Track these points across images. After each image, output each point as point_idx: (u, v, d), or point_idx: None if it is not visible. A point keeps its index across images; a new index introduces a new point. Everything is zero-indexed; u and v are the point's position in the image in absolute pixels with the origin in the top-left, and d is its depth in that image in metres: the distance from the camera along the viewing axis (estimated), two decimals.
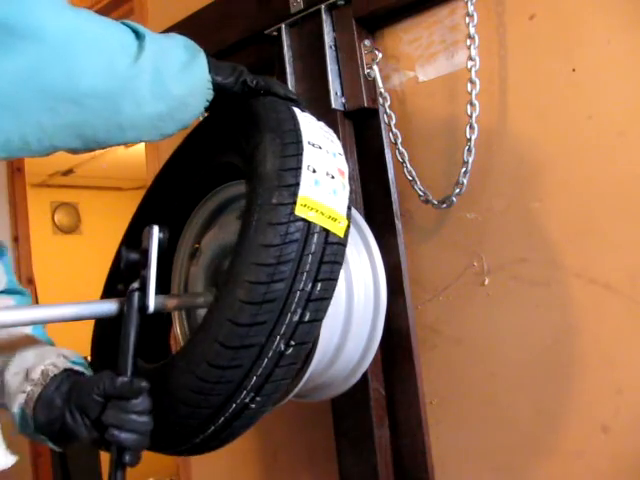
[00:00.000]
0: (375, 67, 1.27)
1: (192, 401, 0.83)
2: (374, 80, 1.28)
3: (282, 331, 0.82)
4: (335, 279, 0.87)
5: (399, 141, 1.25)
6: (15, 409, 0.88)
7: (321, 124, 0.97)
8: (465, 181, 1.19)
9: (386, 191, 1.29)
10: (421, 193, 1.24)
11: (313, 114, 1.34)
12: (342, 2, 1.29)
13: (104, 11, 2.28)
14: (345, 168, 0.92)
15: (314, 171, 0.86)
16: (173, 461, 1.94)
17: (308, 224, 0.83)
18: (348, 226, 0.89)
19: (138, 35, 0.81)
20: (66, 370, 0.90)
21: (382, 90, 1.27)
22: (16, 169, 2.89)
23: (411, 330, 1.26)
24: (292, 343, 0.84)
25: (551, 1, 1.15)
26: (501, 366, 1.21)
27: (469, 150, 1.18)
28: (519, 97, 1.18)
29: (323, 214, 0.85)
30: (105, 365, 1.01)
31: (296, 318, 0.83)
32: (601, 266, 1.09)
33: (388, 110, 1.26)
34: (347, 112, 1.30)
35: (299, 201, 0.83)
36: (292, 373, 0.87)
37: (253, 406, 0.85)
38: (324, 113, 1.30)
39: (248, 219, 0.84)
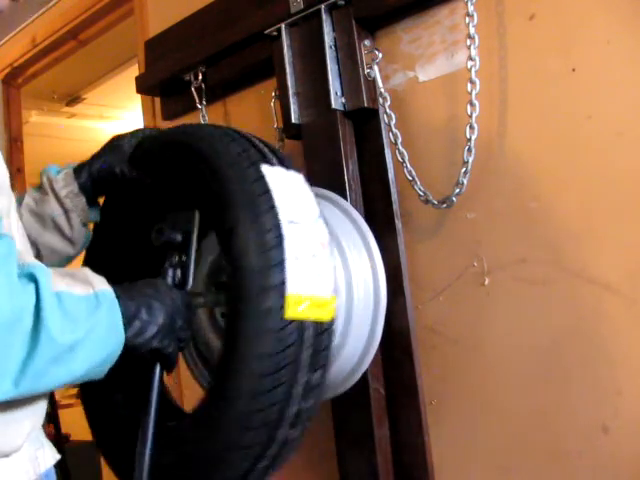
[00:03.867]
0: (375, 67, 1.27)
1: None
2: (374, 80, 1.28)
3: (286, 422, 0.85)
4: (328, 364, 0.89)
5: (399, 141, 1.25)
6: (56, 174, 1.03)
7: (286, 176, 0.90)
8: (465, 181, 1.18)
9: (386, 191, 1.29)
10: (421, 193, 1.24)
11: (313, 114, 1.34)
12: (342, 2, 1.29)
13: (104, 11, 2.28)
14: (325, 233, 0.89)
15: (297, 258, 0.83)
16: None
17: (300, 322, 0.83)
18: (335, 303, 0.88)
19: (35, 338, 0.66)
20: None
21: (382, 90, 1.27)
22: (16, 169, 2.90)
23: (411, 330, 1.26)
24: (297, 427, 0.87)
25: (551, 1, 1.14)
26: (501, 366, 1.20)
27: (469, 150, 1.18)
28: (519, 97, 1.18)
29: (312, 305, 0.84)
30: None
31: (296, 409, 0.85)
32: (601, 266, 1.09)
33: (388, 110, 1.26)
34: (347, 112, 1.30)
35: (288, 300, 0.82)
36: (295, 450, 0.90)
37: None
38: (324, 113, 1.30)
39: (238, 324, 0.82)
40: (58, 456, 0.90)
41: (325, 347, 0.87)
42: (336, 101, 1.29)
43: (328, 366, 0.89)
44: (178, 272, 0.92)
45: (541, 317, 1.16)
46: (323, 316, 0.86)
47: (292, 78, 1.35)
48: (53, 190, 1.03)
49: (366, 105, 1.28)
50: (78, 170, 1.05)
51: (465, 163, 1.18)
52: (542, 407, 1.16)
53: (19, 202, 1.05)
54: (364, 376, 1.18)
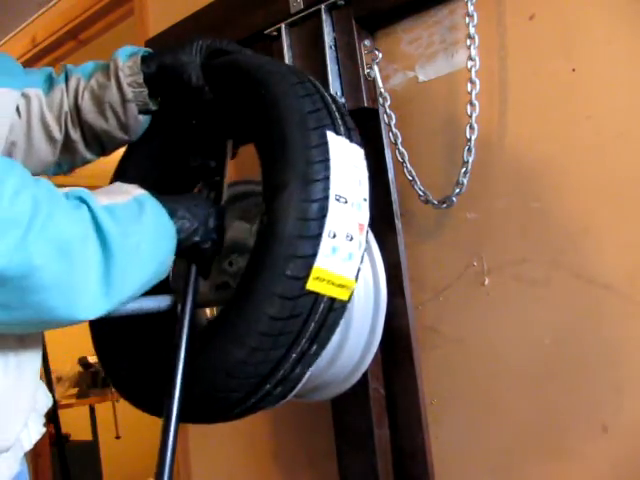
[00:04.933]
0: (375, 67, 1.27)
1: None
2: (374, 80, 1.28)
3: (271, 383, 0.86)
4: (329, 340, 0.89)
5: (399, 141, 1.25)
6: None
7: (348, 148, 0.90)
8: (465, 181, 1.18)
9: (386, 191, 1.29)
10: (421, 193, 1.24)
11: None
12: (342, 2, 1.28)
13: (104, 11, 2.28)
14: (366, 218, 0.89)
15: (334, 236, 0.83)
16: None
17: (316, 295, 0.83)
18: (354, 287, 0.88)
19: (105, 245, 0.70)
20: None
21: (382, 90, 1.27)
22: None
23: (411, 330, 1.26)
24: (277, 388, 0.88)
25: (551, 1, 1.14)
26: (501, 366, 1.21)
27: (469, 150, 1.18)
28: (519, 97, 1.18)
29: (334, 284, 0.84)
30: (112, 359, 1.07)
31: (282, 373, 0.86)
32: (601, 266, 1.09)
33: (388, 110, 1.26)
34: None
35: (312, 274, 0.81)
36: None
37: None
38: None
39: (256, 281, 0.82)
40: (43, 429, 0.90)
41: (333, 323, 0.87)
42: None
43: (327, 342, 0.89)
44: (212, 193, 0.99)
45: (541, 317, 1.16)
46: (341, 295, 0.85)
47: None
48: (117, 78, 1.02)
49: (366, 105, 1.28)
50: (149, 57, 1.03)
51: (465, 163, 1.18)
52: (542, 407, 1.16)
53: (87, 77, 1.06)
54: (364, 376, 1.18)
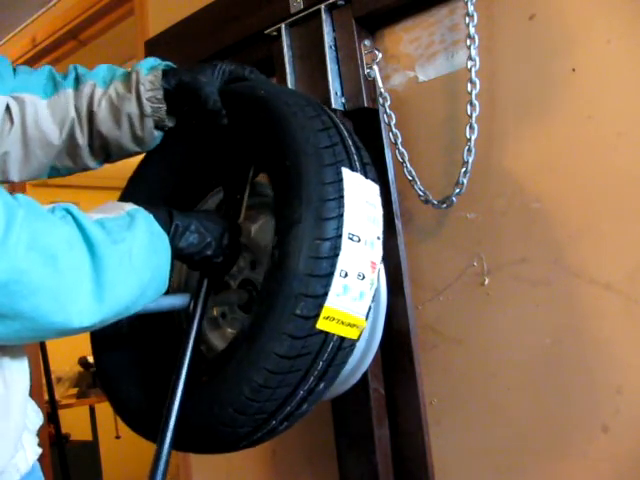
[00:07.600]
0: (375, 67, 1.27)
1: None
2: (374, 80, 1.28)
3: (277, 419, 0.87)
4: (337, 377, 0.89)
5: (399, 141, 1.25)
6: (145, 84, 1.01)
7: (363, 185, 0.88)
8: (465, 181, 1.18)
9: (386, 191, 1.29)
10: (421, 193, 1.24)
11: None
12: (342, 2, 1.28)
13: (104, 11, 2.28)
14: (379, 257, 0.88)
15: (346, 275, 0.82)
16: (173, 461, 1.94)
17: (326, 335, 0.82)
18: (364, 326, 0.88)
19: (92, 250, 0.71)
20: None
21: (382, 90, 1.27)
22: None
23: (411, 330, 1.26)
24: (283, 424, 0.88)
25: (551, 1, 1.14)
26: (501, 366, 1.21)
27: (469, 150, 1.18)
28: (519, 97, 1.18)
29: (343, 323, 0.83)
30: (109, 361, 1.08)
31: (289, 410, 0.86)
32: (601, 266, 1.09)
33: (388, 110, 1.26)
34: (347, 112, 1.30)
35: (323, 313, 0.80)
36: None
37: None
38: None
39: (266, 320, 0.81)
40: (39, 450, 0.88)
41: (341, 362, 0.87)
42: (336, 101, 1.29)
43: (335, 380, 0.89)
44: (230, 210, 1.01)
45: (541, 317, 1.16)
46: (350, 334, 0.85)
47: (292, 78, 1.35)
48: (137, 91, 1.01)
49: (366, 105, 1.28)
50: (169, 73, 1.02)
51: (465, 163, 1.18)
52: (542, 407, 1.16)
53: (103, 84, 1.05)
54: (364, 376, 1.18)
